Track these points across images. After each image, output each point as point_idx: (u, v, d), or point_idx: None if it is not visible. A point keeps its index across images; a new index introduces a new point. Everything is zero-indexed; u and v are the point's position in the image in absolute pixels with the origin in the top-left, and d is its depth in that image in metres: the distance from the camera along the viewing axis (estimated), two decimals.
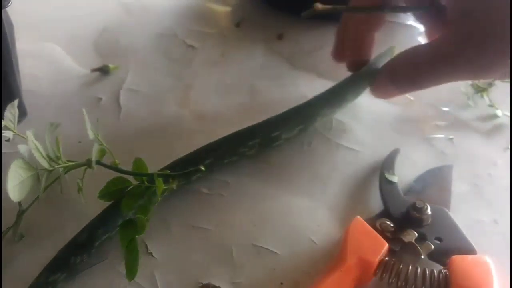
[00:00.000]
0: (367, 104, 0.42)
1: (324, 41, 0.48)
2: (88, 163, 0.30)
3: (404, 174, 0.35)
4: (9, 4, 0.35)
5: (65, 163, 0.31)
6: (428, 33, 0.38)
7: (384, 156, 0.36)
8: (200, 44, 0.49)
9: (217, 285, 0.29)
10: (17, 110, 0.32)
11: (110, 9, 0.55)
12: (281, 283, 0.29)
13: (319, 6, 0.29)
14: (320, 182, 0.35)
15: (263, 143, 0.36)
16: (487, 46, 0.29)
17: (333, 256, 0.30)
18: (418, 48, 0.33)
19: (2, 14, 0.35)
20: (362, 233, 0.29)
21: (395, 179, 0.34)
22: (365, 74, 0.39)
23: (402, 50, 0.35)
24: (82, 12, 0.54)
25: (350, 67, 0.40)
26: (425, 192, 0.34)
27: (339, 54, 0.40)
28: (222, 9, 0.55)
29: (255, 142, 0.35)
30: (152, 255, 0.31)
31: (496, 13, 0.28)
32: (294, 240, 0.32)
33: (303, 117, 0.37)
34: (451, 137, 0.39)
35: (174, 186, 0.29)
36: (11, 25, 0.37)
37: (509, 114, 0.40)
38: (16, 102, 0.32)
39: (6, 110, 0.31)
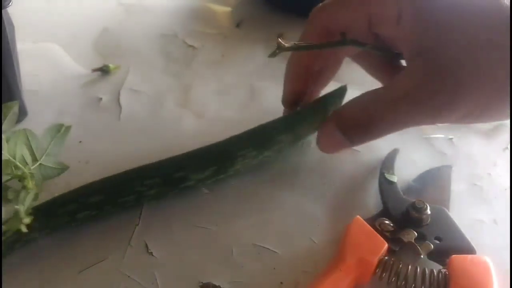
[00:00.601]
0: None
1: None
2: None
3: (403, 174, 0.35)
4: (10, 4, 0.35)
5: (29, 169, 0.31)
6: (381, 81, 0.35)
7: (384, 156, 0.36)
8: (201, 44, 0.49)
9: (217, 284, 0.29)
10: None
11: (111, 9, 0.55)
12: (281, 283, 0.29)
13: (282, 43, 0.28)
14: (320, 182, 0.35)
15: (167, 184, 0.33)
16: (445, 84, 0.26)
17: (333, 256, 0.30)
18: (371, 94, 0.30)
19: (3, 14, 0.35)
20: (362, 233, 0.29)
21: (394, 179, 0.34)
22: (302, 113, 0.35)
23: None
24: (83, 12, 0.54)
25: (285, 103, 0.36)
26: (425, 192, 0.34)
27: (288, 101, 0.36)
28: (223, 9, 0.55)
29: (154, 181, 0.32)
30: (153, 255, 0.31)
31: (452, 49, 0.26)
32: (294, 240, 0.32)
33: (217, 158, 0.33)
34: (450, 137, 0.39)
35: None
36: (11, 25, 0.37)
37: None
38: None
39: None
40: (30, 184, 0.29)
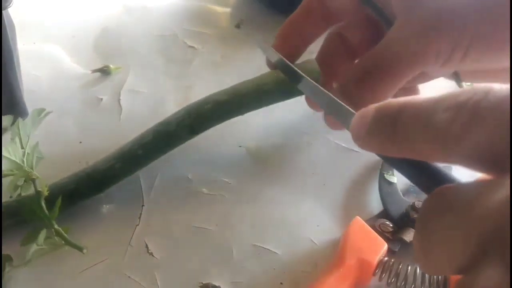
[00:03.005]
0: None
1: None
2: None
3: None
4: (11, 4, 0.35)
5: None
6: None
7: None
8: (200, 45, 0.50)
9: (217, 284, 0.29)
10: None
11: (111, 10, 0.55)
12: (281, 283, 0.29)
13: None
14: (320, 182, 0.36)
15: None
16: (424, 25, 0.26)
17: (333, 256, 0.30)
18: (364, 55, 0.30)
19: (3, 14, 0.35)
20: (362, 234, 0.29)
21: (394, 179, 0.34)
22: (271, 78, 0.34)
23: None
24: (83, 12, 0.54)
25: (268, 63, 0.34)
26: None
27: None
28: (222, 10, 0.55)
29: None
30: (153, 255, 0.31)
31: (435, 2, 0.26)
32: (294, 240, 0.32)
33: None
34: None
35: None
36: (12, 25, 0.37)
37: None
38: None
39: None
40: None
